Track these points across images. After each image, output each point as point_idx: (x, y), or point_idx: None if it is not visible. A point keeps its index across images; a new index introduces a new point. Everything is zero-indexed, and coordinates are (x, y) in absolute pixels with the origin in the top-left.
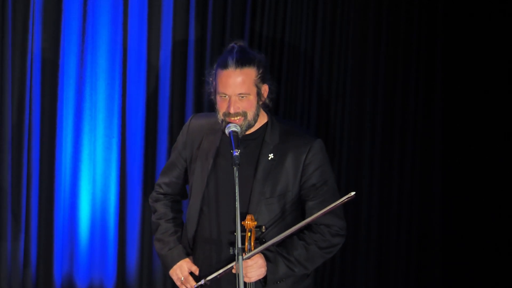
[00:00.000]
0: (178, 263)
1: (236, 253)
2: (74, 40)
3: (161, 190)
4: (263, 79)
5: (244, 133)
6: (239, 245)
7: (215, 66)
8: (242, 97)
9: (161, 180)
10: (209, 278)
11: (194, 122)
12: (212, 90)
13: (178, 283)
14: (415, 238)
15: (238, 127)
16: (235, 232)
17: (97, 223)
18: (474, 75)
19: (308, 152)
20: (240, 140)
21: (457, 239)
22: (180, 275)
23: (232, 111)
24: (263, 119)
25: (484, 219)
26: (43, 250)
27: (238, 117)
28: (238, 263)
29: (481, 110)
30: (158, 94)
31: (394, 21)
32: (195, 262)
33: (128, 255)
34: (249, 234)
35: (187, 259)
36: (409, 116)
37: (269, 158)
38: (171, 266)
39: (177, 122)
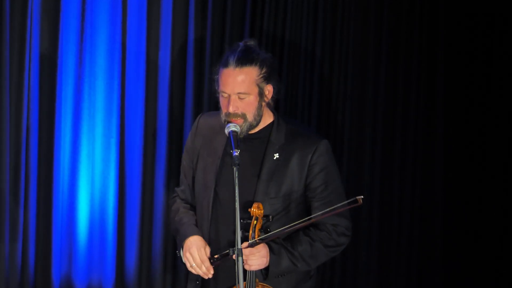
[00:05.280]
0: (193, 239)
1: (236, 254)
2: (72, 39)
3: (177, 195)
4: (266, 79)
5: (246, 133)
6: (239, 246)
7: (219, 65)
8: (242, 97)
9: (178, 187)
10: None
11: (203, 122)
12: (216, 88)
13: (189, 262)
14: (416, 240)
15: (238, 127)
16: (236, 232)
17: (96, 223)
18: (476, 76)
19: (314, 153)
20: (244, 139)
21: (459, 241)
22: (195, 259)
23: (231, 110)
24: (268, 118)
25: (486, 221)
26: (41, 251)
27: (238, 118)
28: (237, 263)
29: (482, 111)
30: (157, 93)
31: (395, 20)
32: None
33: (127, 256)
34: (254, 222)
35: (201, 238)
36: (411, 116)
37: (274, 158)
38: (185, 238)
39: (177, 121)
